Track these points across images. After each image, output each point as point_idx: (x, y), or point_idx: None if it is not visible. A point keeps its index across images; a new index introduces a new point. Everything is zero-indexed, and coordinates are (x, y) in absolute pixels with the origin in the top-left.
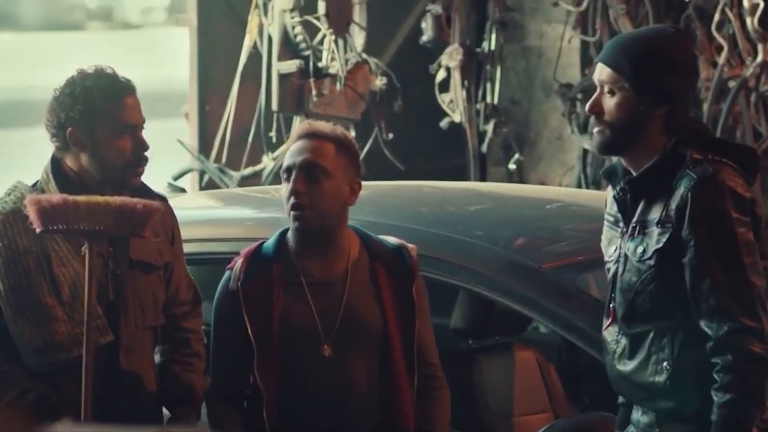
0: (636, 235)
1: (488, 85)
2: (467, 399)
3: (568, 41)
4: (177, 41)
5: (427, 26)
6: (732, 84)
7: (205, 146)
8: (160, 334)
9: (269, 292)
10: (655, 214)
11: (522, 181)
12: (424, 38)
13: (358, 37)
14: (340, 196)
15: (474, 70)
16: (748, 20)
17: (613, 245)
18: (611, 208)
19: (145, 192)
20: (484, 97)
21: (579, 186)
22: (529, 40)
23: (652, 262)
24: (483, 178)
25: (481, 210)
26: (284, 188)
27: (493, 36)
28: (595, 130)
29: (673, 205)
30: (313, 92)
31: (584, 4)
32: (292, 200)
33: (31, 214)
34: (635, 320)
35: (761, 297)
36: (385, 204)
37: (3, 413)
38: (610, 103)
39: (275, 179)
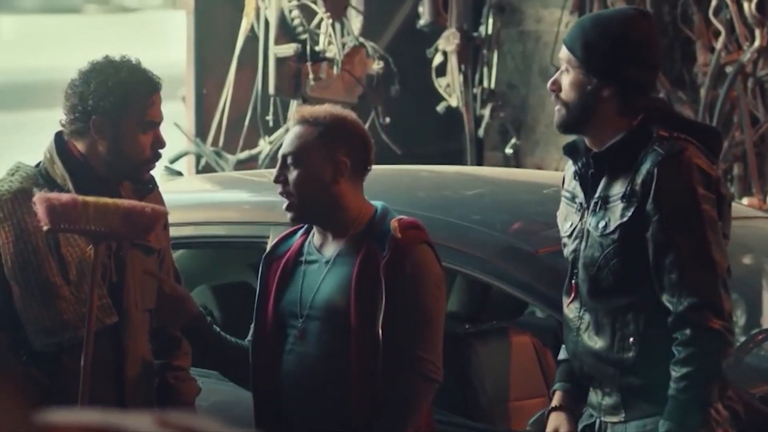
0: (598, 210)
1: (485, 70)
2: (463, 383)
3: (566, 26)
4: (174, 24)
5: (424, 10)
6: (729, 69)
7: (201, 130)
8: (150, 329)
9: (278, 269)
10: (619, 189)
11: (519, 165)
12: (421, 22)
13: (355, 21)
14: (317, 179)
15: (471, 54)
16: (746, 5)
17: (569, 221)
18: (569, 184)
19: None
20: (481, 82)
21: None
22: (526, 24)
23: (615, 236)
24: (480, 163)
25: (478, 194)
26: None
27: (490, 20)
28: (555, 108)
29: (639, 180)
30: (310, 76)
31: None
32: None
33: (39, 211)
34: (598, 296)
35: (723, 275)
36: (382, 188)
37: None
38: (565, 81)
39: (271, 163)
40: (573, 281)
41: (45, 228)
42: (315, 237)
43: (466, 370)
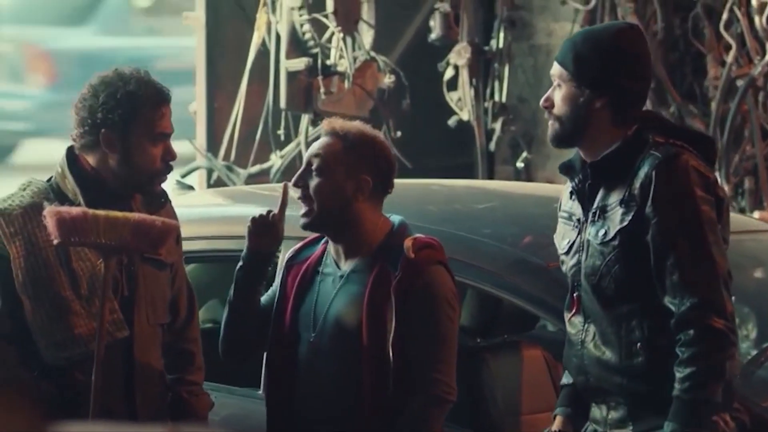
0: (597, 219)
1: (496, 84)
2: (475, 397)
3: None
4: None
5: (436, 24)
6: (740, 83)
7: (213, 144)
8: (163, 343)
9: (295, 277)
10: (617, 197)
11: (530, 179)
12: (433, 36)
13: (366, 35)
14: (338, 192)
15: (482, 68)
16: (757, 19)
17: (566, 239)
18: (565, 204)
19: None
20: (492, 96)
21: None
22: (537, 38)
23: (615, 242)
24: (491, 177)
25: (489, 208)
26: None
27: (502, 34)
28: (549, 123)
29: (637, 184)
30: (322, 90)
31: (592, 3)
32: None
33: (49, 225)
34: (602, 305)
35: (724, 275)
36: (393, 202)
37: (14, 412)
38: (557, 96)
39: (283, 177)
40: (575, 294)
41: (55, 241)
42: (332, 249)
43: (478, 383)
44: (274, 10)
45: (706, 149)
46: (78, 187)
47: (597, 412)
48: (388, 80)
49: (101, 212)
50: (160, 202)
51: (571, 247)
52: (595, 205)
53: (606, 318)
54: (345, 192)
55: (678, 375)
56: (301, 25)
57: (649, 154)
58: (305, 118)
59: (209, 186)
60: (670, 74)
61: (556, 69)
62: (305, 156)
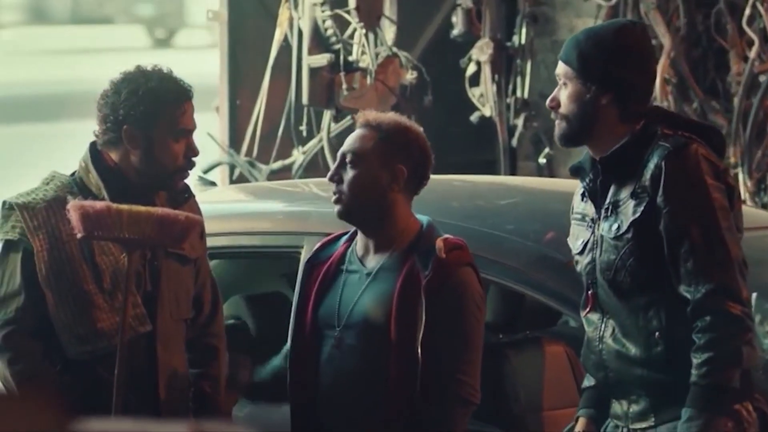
0: (609, 215)
1: (518, 80)
2: (497, 393)
3: None
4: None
5: (458, 20)
6: (763, 78)
7: (235, 140)
8: (186, 339)
9: (318, 276)
10: (628, 190)
11: (552, 175)
12: (455, 32)
13: (388, 31)
14: (373, 183)
15: (504, 64)
16: None
17: (580, 238)
18: (577, 206)
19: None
20: (514, 92)
21: None
22: (559, 34)
23: (629, 235)
24: (513, 173)
25: (511, 204)
26: None
27: (524, 30)
28: (556, 122)
29: (647, 176)
30: (344, 86)
31: None
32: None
33: (73, 219)
34: (619, 299)
35: (738, 262)
36: (415, 198)
37: (21, 401)
38: (563, 95)
39: (305, 173)
40: (590, 291)
41: (79, 235)
42: (358, 246)
43: (500, 379)
44: (296, 6)
45: (713, 140)
46: (102, 182)
47: (618, 407)
48: (410, 76)
49: (125, 207)
50: (184, 198)
51: (585, 246)
52: (607, 201)
53: (624, 310)
54: (380, 182)
55: (695, 361)
56: (324, 21)
57: (658, 145)
58: (327, 114)
59: (231, 182)
60: (692, 70)
61: (561, 68)
62: (340, 150)
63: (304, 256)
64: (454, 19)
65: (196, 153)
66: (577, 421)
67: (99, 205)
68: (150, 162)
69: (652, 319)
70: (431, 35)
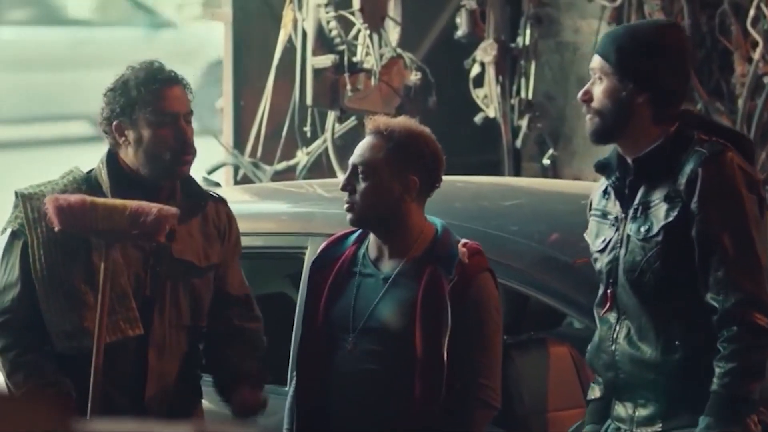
0: (638, 216)
1: (523, 81)
2: (502, 394)
3: None
4: (212, 36)
5: (462, 21)
6: (767, 80)
7: (239, 141)
8: (218, 334)
9: (328, 278)
10: (661, 193)
11: (556, 176)
12: (459, 33)
13: (392, 32)
14: (386, 193)
15: (508, 65)
16: None
17: (601, 236)
18: (597, 204)
19: (196, 192)
20: (518, 93)
21: None
22: (563, 35)
23: (659, 238)
24: (517, 174)
25: (516, 205)
26: None
27: (528, 31)
28: (587, 117)
29: (683, 180)
30: (348, 87)
31: (619, 0)
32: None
33: (49, 212)
34: (640, 301)
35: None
36: None
37: (21, 401)
38: (597, 90)
39: (309, 174)
40: (608, 291)
41: (56, 229)
42: (370, 249)
43: (505, 380)
44: (300, 7)
45: (745, 148)
46: (110, 181)
47: (622, 410)
48: (414, 77)
49: (100, 200)
50: (200, 206)
51: (607, 245)
52: (636, 202)
53: (644, 314)
54: (393, 194)
55: (718, 370)
56: (328, 22)
57: (695, 150)
58: (331, 115)
59: (235, 183)
60: (697, 71)
61: (596, 62)
62: (351, 160)
63: (309, 256)
64: (458, 20)
65: (187, 135)
66: None
67: (74, 198)
68: (143, 153)
69: (673, 325)
70: (435, 36)
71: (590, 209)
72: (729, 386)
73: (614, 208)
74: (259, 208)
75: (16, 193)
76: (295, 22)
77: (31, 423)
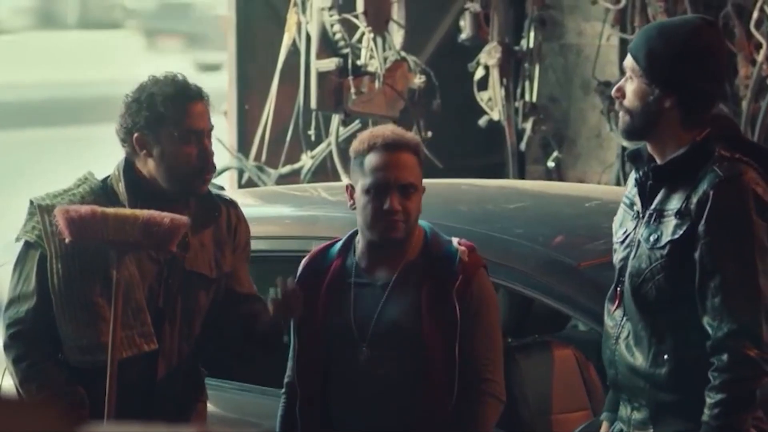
0: (652, 222)
1: (527, 83)
2: (506, 396)
3: (607, 39)
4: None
5: (466, 24)
6: None
7: (244, 144)
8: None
9: (319, 289)
10: (675, 204)
11: (561, 179)
12: (463, 36)
13: (396, 35)
14: (420, 207)
15: (512, 68)
16: None
17: (623, 227)
18: (630, 190)
19: (210, 202)
20: (522, 95)
21: (618, 184)
22: (567, 37)
23: (664, 251)
24: (521, 176)
25: (520, 208)
26: (370, 203)
27: (532, 34)
28: (620, 114)
29: (695, 199)
30: (352, 90)
31: (623, 2)
32: (389, 217)
33: (59, 224)
34: (640, 308)
35: (766, 304)
36: (424, 203)
37: (35, 409)
38: (629, 89)
39: (314, 177)
40: (619, 289)
41: (67, 240)
42: (360, 259)
43: (509, 383)
44: (304, 11)
45: None
46: (127, 191)
47: (623, 410)
48: (418, 80)
49: (110, 210)
50: (214, 216)
51: (625, 239)
52: (653, 206)
53: (641, 321)
54: (421, 205)
55: (708, 401)
56: (332, 26)
57: (711, 169)
58: (336, 119)
59: (240, 186)
60: None
61: (629, 61)
62: (391, 179)
63: (304, 262)
64: (462, 23)
65: (211, 154)
66: (602, 425)
67: (84, 209)
68: (164, 167)
69: (666, 339)
70: (439, 39)
71: (626, 189)
72: (719, 418)
73: (639, 201)
74: (263, 212)
75: (32, 203)
76: (299, 25)
77: (38, 427)
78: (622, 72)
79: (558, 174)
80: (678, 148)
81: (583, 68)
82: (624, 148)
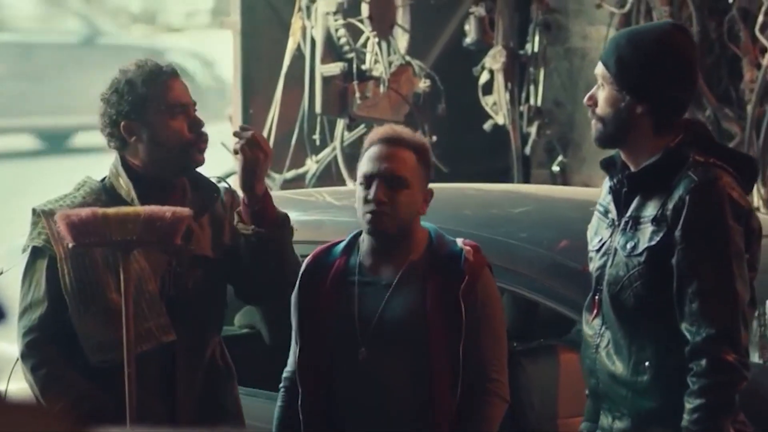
0: (628, 230)
1: (532, 87)
2: (512, 401)
3: None
4: (221, 44)
5: (471, 28)
6: None
7: None
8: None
9: (322, 287)
10: (650, 211)
11: (566, 183)
12: (468, 40)
13: (401, 40)
14: (414, 205)
15: (517, 72)
16: None
17: (599, 235)
18: (604, 198)
19: (205, 185)
20: (527, 99)
21: None
22: (572, 41)
23: (642, 258)
24: (526, 180)
25: (525, 212)
26: (360, 193)
27: (537, 38)
28: (592, 122)
29: (670, 205)
30: (357, 95)
31: (627, 6)
32: (371, 207)
33: (61, 229)
34: (618, 316)
35: (743, 309)
36: (429, 207)
37: (55, 418)
38: (600, 96)
39: (318, 182)
40: (596, 297)
41: (70, 245)
42: (364, 257)
43: (515, 387)
44: (309, 15)
45: (745, 170)
46: (131, 183)
47: (604, 420)
48: (423, 84)
49: (110, 210)
50: (212, 197)
51: (601, 247)
52: (628, 214)
53: (621, 329)
54: (419, 204)
55: (687, 406)
56: (336, 30)
57: (686, 174)
58: (341, 123)
59: None
60: (705, 78)
61: (599, 68)
62: (380, 169)
63: (306, 263)
64: (467, 27)
65: (200, 124)
66: None
67: (84, 212)
68: (157, 147)
69: (646, 347)
70: (444, 44)
71: (599, 198)
72: (698, 423)
73: (614, 209)
74: None
75: (35, 211)
76: (303, 30)
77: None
78: None
79: (563, 178)
80: (651, 155)
81: (588, 72)
82: None
